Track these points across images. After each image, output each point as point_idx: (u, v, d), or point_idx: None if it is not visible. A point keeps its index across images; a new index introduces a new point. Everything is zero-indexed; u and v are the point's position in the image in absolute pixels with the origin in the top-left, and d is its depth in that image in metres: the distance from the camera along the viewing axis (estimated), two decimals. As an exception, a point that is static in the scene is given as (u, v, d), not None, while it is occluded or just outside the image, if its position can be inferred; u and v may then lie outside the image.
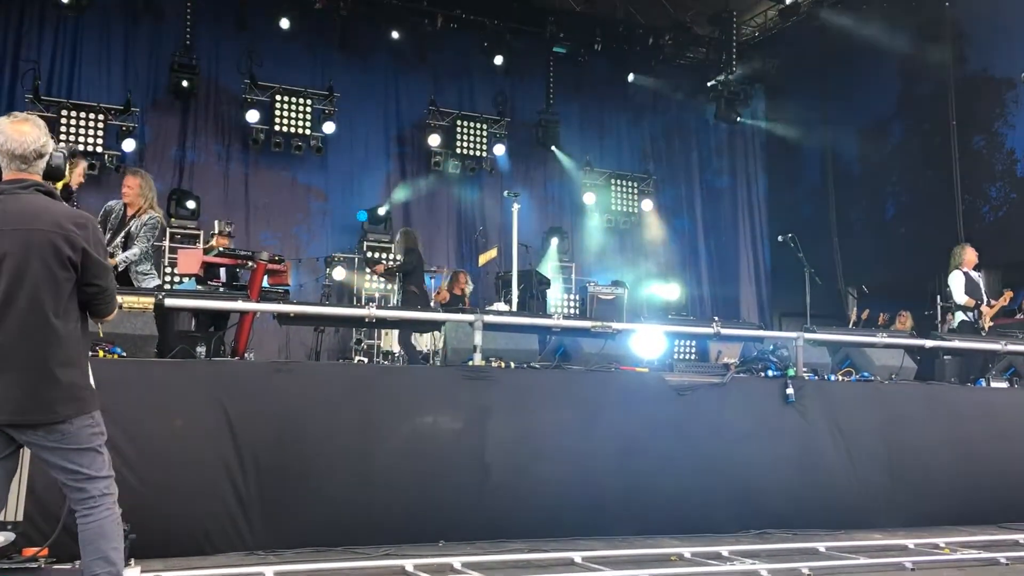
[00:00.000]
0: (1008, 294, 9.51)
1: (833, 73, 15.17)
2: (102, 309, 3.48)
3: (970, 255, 9.53)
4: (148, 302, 5.36)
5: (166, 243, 12.38)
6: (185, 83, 13.03)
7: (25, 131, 3.34)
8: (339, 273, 13.27)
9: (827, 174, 16.04)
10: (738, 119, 15.90)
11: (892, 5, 13.87)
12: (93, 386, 3.43)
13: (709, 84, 15.50)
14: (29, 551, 4.17)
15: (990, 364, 8.14)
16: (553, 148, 15.77)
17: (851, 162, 15.78)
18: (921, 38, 13.88)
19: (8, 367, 3.20)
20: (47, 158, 3.41)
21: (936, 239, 13.52)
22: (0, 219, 3.24)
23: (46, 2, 12.58)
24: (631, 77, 15.86)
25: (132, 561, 3.91)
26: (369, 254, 13.45)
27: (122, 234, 6.92)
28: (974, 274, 9.48)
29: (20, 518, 4.22)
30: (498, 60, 15.02)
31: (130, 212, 6.98)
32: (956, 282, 9.49)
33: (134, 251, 6.84)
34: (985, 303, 9.31)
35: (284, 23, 13.55)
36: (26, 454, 3.61)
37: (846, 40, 14.44)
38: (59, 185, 3.62)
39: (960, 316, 9.52)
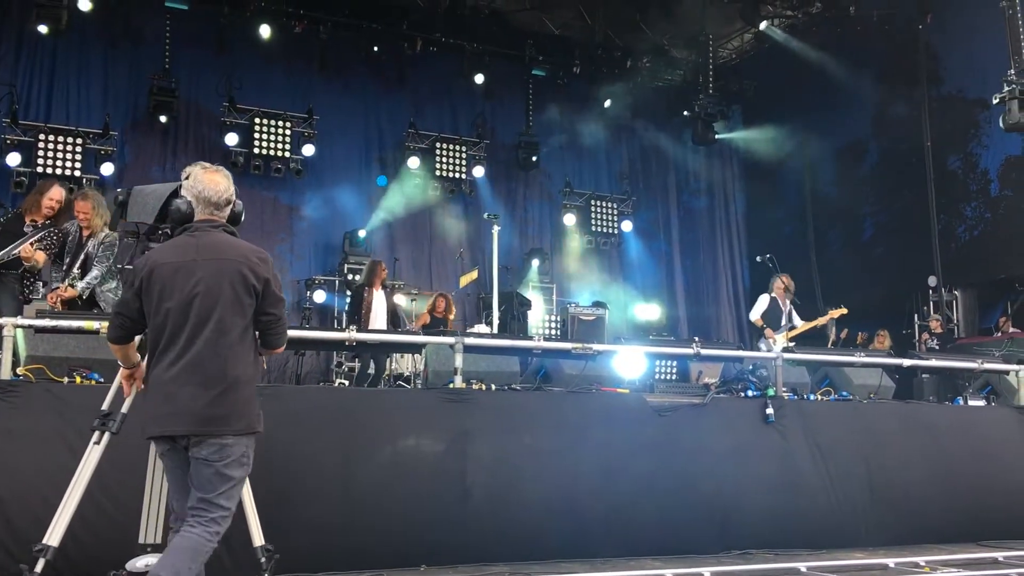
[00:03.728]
0: (796, 330, 10.14)
1: (809, 95, 15.34)
2: (275, 340, 3.83)
3: (779, 284, 10.20)
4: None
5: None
6: (164, 110, 13.00)
7: (218, 181, 3.80)
8: (320, 296, 13.30)
9: (805, 194, 16.18)
10: (715, 140, 16.00)
11: (866, 28, 14.06)
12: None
13: (686, 106, 15.61)
14: None
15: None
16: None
17: (828, 182, 15.94)
18: (895, 60, 14.08)
19: (196, 380, 3.53)
20: (232, 205, 3.85)
21: (913, 259, 13.69)
22: (196, 250, 3.65)
23: (24, 25, 12.52)
24: (607, 103, 15.97)
25: None
26: (350, 276, 13.43)
27: (81, 256, 6.85)
28: (783, 303, 10.20)
29: None
30: (478, 81, 15.09)
31: (86, 234, 6.88)
32: (758, 304, 10.38)
33: (95, 273, 6.78)
34: (782, 330, 10.02)
35: (263, 46, 13.56)
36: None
37: (821, 62, 14.64)
38: None
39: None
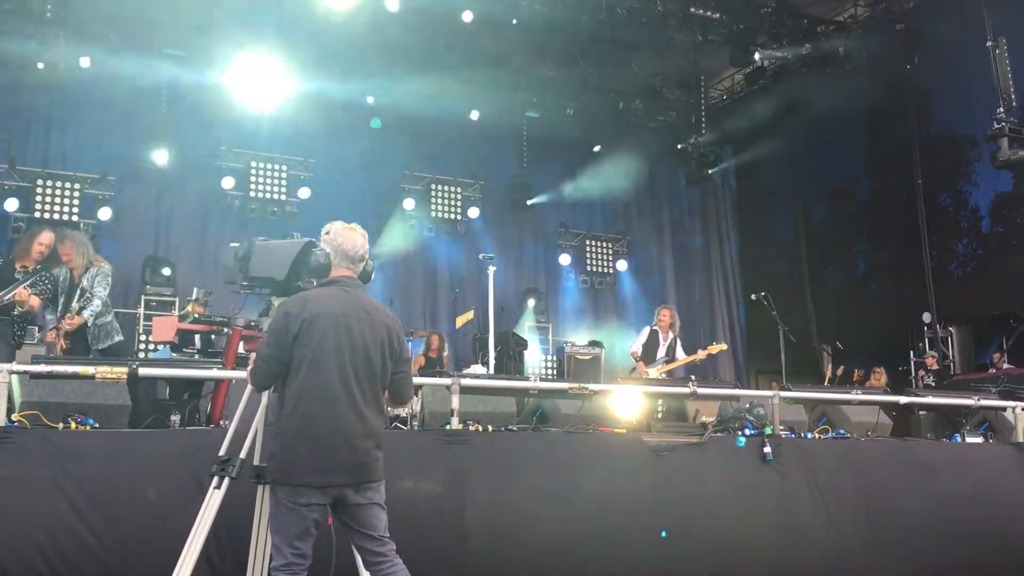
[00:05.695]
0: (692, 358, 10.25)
1: (800, 134, 15.49)
2: (404, 394, 4.15)
3: (662, 317, 10.35)
4: (121, 372, 5.30)
5: (141, 311, 12.30)
6: (160, 153, 13.07)
7: (356, 237, 4.04)
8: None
9: (798, 232, 16.27)
10: (708, 179, 16.12)
11: (856, 67, 14.23)
12: None
13: (679, 146, 15.75)
14: None
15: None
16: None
17: (822, 220, 16.04)
18: (885, 99, 14.23)
19: (359, 432, 3.79)
20: (365, 263, 4.11)
21: (907, 296, 13.74)
22: (352, 305, 3.90)
23: (24, 72, 12.60)
24: (598, 147, 16.13)
25: None
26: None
27: (76, 293, 6.91)
28: (665, 335, 10.26)
29: None
30: (472, 123, 15.22)
31: (76, 273, 7.02)
32: (639, 336, 10.45)
33: (96, 303, 6.88)
34: (657, 363, 10.08)
35: (259, 90, 13.64)
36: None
37: (812, 102, 14.80)
38: None
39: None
